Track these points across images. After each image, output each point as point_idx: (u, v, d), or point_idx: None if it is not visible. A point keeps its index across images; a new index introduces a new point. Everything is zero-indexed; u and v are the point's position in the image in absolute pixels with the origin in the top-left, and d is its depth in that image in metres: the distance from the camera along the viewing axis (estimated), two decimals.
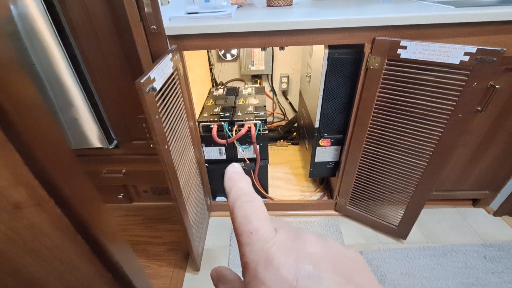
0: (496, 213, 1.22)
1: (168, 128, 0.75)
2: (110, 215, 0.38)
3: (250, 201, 0.16)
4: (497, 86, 0.78)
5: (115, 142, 1.10)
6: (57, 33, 0.81)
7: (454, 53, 0.71)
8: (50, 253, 0.27)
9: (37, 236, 0.25)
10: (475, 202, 1.27)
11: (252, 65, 1.48)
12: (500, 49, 0.67)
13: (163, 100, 0.72)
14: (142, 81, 0.58)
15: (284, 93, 1.63)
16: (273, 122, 1.74)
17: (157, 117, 0.67)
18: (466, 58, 0.70)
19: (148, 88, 0.61)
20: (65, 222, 0.27)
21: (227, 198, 0.17)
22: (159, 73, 0.69)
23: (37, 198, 0.24)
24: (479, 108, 0.80)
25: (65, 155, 0.29)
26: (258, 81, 1.57)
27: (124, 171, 1.18)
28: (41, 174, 0.24)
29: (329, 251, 0.15)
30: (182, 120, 0.89)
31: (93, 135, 1.02)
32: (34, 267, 0.27)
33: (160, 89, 0.70)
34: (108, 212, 0.38)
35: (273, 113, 1.71)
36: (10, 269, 0.26)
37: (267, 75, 1.56)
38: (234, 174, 0.19)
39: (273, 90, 1.61)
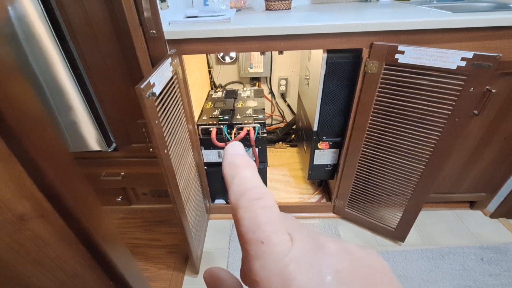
0: (493, 215, 1.23)
1: (167, 132, 0.75)
2: (111, 222, 0.39)
3: (259, 198, 0.13)
4: (493, 90, 0.79)
5: (114, 145, 1.10)
6: (55, 36, 0.81)
7: (451, 58, 0.72)
8: (52, 263, 0.27)
9: (40, 247, 0.25)
10: (472, 205, 1.28)
11: (251, 68, 1.48)
12: (496, 54, 0.68)
13: (163, 104, 0.73)
14: (142, 86, 0.59)
15: (283, 96, 1.63)
16: (271, 124, 1.75)
17: (156, 122, 0.67)
18: (463, 64, 0.71)
19: (148, 94, 0.62)
20: (68, 232, 0.27)
21: (227, 190, 0.14)
22: (159, 78, 0.69)
23: (41, 210, 0.24)
24: (475, 111, 0.81)
25: (67, 165, 0.29)
26: (257, 83, 1.58)
27: (123, 174, 1.18)
28: (44, 185, 0.24)
29: (356, 265, 0.13)
30: (181, 123, 0.89)
31: (92, 138, 1.02)
32: (37, 277, 0.28)
33: (160, 94, 0.70)
34: (109, 219, 0.38)
35: (271, 115, 1.71)
36: (13, 279, 0.26)
37: (266, 77, 1.56)
38: (236, 157, 0.15)
39: (271, 92, 1.61)
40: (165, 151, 0.72)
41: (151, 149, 1.05)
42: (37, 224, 0.24)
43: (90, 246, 0.30)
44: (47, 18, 0.78)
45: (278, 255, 0.11)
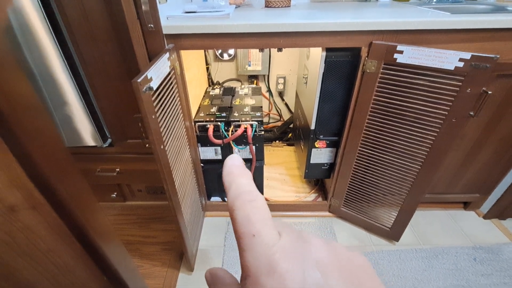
0: (486, 216, 1.24)
1: (164, 128, 0.74)
2: (106, 216, 0.38)
3: (252, 200, 0.14)
4: (489, 92, 0.80)
5: (109, 140, 1.09)
6: (51, 29, 0.80)
7: (449, 59, 0.72)
8: (44, 256, 0.26)
9: (32, 239, 0.25)
10: (465, 205, 1.29)
11: (249, 65, 1.47)
12: (493, 56, 0.68)
13: (160, 99, 0.72)
14: (139, 80, 0.58)
15: (281, 94, 1.63)
16: (269, 123, 1.74)
17: (153, 116, 0.66)
18: (461, 64, 0.71)
19: (145, 88, 0.61)
20: (61, 225, 0.26)
21: (225, 195, 0.15)
22: (156, 73, 0.68)
23: (33, 201, 0.23)
24: (471, 113, 0.81)
25: (62, 156, 0.29)
26: (255, 81, 1.57)
27: (118, 170, 1.17)
28: (37, 176, 0.24)
29: (336, 257, 0.14)
30: (178, 119, 0.88)
31: (87, 133, 1.01)
32: (28, 270, 0.27)
33: (157, 89, 0.70)
34: (104, 214, 0.38)
35: (269, 114, 1.71)
36: (4, 272, 0.26)
37: (264, 75, 1.56)
38: (234, 167, 0.17)
39: (269, 90, 1.61)
40: (162, 147, 0.72)
41: (147, 145, 1.04)
42: (28, 216, 0.23)
43: (84, 240, 0.30)
44: (43, 10, 0.77)
45: (266, 246, 0.13)
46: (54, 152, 0.26)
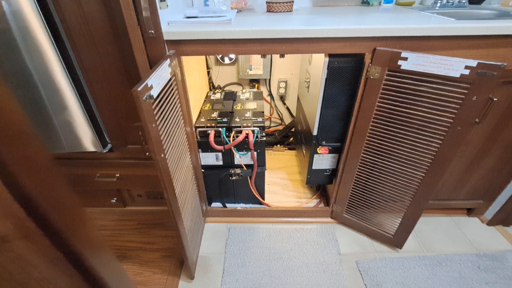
0: (489, 223, 1.23)
1: (164, 136, 0.73)
2: (102, 238, 0.36)
3: None
4: (494, 99, 0.78)
5: (109, 146, 1.08)
6: (50, 34, 0.79)
7: (454, 66, 0.71)
8: (38, 285, 0.25)
9: (24, 268, 0.23)
10: (469, 212, 1.28)
11: (250, 69, 1.46)
12: (500, 63, 0.67)
13: (160, 107, 0.71)
14: (139, 89, 0.57)
15: (282, 98, 1.62)
16: (270, 127, 1.73)
17: (153, 125, 0.65)
18: (467, 72, 0.70)
19: (145, 96, 0.59)
20: (54, 252, 0.25)
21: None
22: (157, 80, 0.67)
23: (24, 230, 0.22)
24: (476, 120, 0.80)
25: (53, 180, 0.27)
26: (256, 85, 1.56)
27: (118, 175, 1.15)
28: (27, 203, 0.22)
29: None
30: (179, 126, 0.87)
31: (87, 138, 1.00)
32: None
33: (157, 96, 0.68)
34: (101, 235, 0.36)
35: (270, 118, 1.69)
36: None
37: (265, 79, 1.54)
38: None
39: (270, 94, 1.60)
40: (162, 156, 0.70)
41: (147, 153, 1.03)
42: (21, 245, 0.22)
43: (79, 265, 0.28)
44: (41, 15, 0.76)
45: None
46: (44, 176, 0.25)
